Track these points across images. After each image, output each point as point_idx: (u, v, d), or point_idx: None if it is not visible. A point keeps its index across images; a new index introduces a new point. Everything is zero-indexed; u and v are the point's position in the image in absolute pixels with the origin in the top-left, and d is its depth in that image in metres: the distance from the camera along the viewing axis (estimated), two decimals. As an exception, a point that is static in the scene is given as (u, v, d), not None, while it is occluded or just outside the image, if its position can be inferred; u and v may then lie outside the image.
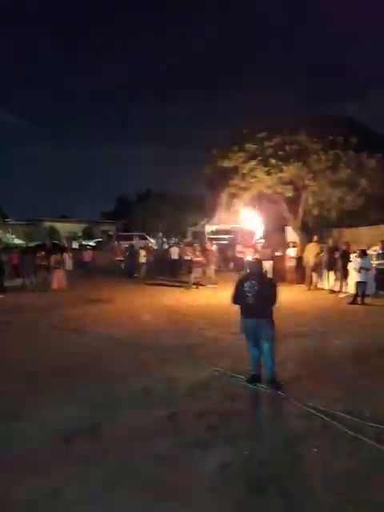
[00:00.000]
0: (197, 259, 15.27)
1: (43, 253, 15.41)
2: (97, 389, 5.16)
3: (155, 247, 29.46)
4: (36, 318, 9.64)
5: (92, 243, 32.61)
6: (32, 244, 27.15)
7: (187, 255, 16.59)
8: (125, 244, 24.03)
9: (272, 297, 5.06)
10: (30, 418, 4.37)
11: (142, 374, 5.64)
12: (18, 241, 35.61)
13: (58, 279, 14.37)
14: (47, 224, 40.38)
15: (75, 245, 29.02)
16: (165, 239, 36.47)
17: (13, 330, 8.61)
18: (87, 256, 19.64)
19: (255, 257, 5.74)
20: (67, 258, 17.76)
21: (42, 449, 3.75)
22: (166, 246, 29.30)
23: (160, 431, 4.01)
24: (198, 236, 26.78)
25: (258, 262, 5.63)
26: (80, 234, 40.62)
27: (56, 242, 26.30)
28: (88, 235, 40.36)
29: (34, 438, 3.97)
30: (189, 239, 26.57)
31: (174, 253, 18.55)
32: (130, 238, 26.56)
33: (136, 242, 22.58)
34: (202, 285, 14.43)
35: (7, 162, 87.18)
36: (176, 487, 3.15)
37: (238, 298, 5.17)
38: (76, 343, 7.41)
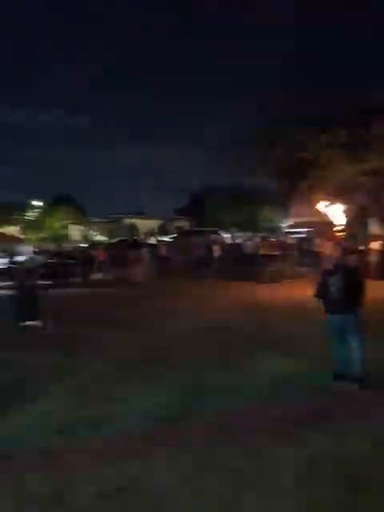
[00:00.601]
0: (272, 253, 15.04)
1: (124, 248, 16.26)
2: (183, 378, 5.36)
3: (229, 242, 29.46)
4: (121, 309, 10.23)
5: (167, 239, 33.58)
6: (114, 240, 28.75)
7: (262, 250, 16.40)
8: (199, 239, 24.36)
9: (359, 291, 4.84)
10: (120, 404, 4.67)
11: (224, 366, 5.75)
12: (100, 237, 38.00)
13: (138, 273, 15.10)
14: (128, 221, 42.55)
15: (152, 240, 30.07)
16: (239, 234, 36.31)
17: (99, 320, 9.22)
18: (163, 251, 20.30)
19: (339, 250, 5.50)
20: (145, 253, 18.50)
21: (132, 433, 4.00)
22: (239, 241, 29.15)
23: (247, 423, 4.08)
24: (275, 230, 26.28)
25: (343, 256, 5.40)
26: (156, 230, 42.11)
27: (135, 238, 27.56)
28: (163, 231, 41.65)
29: (124, 422, 4.24)
30: (264, 233, 26.19)
31: (249, 247, 18.43)
32: (203, 233, 26.85)
33: (209, 236, 22.79)
34: (278, 280, 14.17)
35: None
36: (264, 478, 3.19)
37: (322, 292, 5.02)
38: (161, 333, 7.76)
